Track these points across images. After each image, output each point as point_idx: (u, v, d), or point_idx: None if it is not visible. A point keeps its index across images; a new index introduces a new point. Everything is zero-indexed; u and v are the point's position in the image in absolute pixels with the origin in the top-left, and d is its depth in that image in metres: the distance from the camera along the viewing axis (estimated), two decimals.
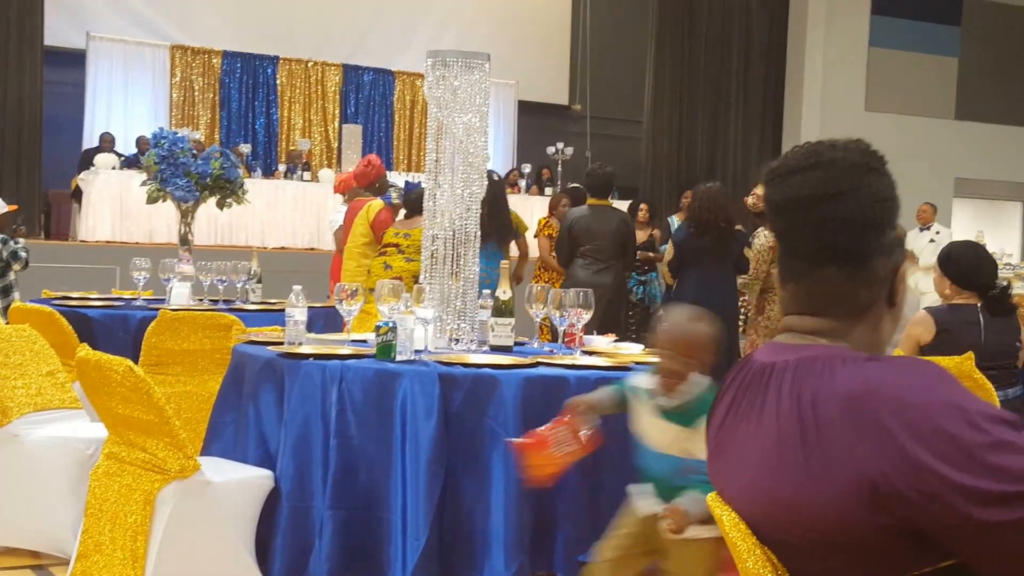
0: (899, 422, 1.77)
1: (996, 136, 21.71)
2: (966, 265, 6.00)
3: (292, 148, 19.95)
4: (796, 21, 21.04)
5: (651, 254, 11.89)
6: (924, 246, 14.96)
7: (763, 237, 8.83)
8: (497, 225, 8.15)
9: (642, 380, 3.93)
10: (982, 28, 21.72)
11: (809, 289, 2.09)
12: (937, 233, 15.45)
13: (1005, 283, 6.04)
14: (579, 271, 9.46)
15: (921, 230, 15.56)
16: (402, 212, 9.32)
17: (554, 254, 10.33)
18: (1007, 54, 21.92)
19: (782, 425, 1.94)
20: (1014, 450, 1.72)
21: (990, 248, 9.66)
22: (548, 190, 18.64)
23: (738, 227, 9.24)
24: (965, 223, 20.90)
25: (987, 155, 21.62)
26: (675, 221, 13.33)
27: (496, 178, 8.55)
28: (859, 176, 2.04)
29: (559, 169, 19.71)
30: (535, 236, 11.23)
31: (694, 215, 9.15)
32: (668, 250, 9.49)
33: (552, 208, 11.72)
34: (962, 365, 5.16)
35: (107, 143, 17.77)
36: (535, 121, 22.55)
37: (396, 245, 8.35)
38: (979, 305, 5.91)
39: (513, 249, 9.56)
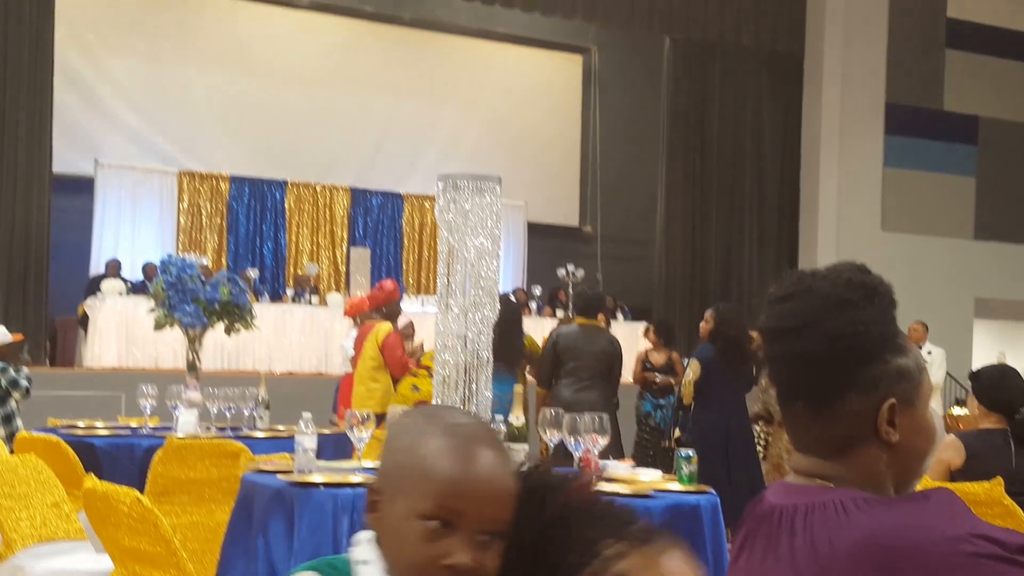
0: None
1: (1016, 256, 21.50)
2: (989, 384, 5.92)
3: (300, 272, 19.96)
4: (809, 142, 20.96)
5: (671, 378, 11.74)
6: None
7: None
8: (508, 349, 8.10)
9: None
10: (999, 147, 21.61)
11: (789, 425, 2.02)
12: (929, 353, 15.09)
13: None
14: (563, 390, 9.38)
15: None
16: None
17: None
18: None
19: (799, 573, 1.86)
20: None
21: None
22: (560, 312, 18.58)
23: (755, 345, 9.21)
24: (987, 344, 20.64)
25: (1008, 275, 21.37)
26: None
27: (513, 301, 8.52)
28: (823, 311, 1.95)
29: (570, 291, 19.68)
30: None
31: (722, 335, 9.16)
32: (695, 368, 9.40)
33: None
34: (992, 491, 5.06)
35: (113, 269, 17.81)
36: (545, 243, 22.58)
37: (427, 368, 8.30)
38: (1009, 429, 5.82)
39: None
